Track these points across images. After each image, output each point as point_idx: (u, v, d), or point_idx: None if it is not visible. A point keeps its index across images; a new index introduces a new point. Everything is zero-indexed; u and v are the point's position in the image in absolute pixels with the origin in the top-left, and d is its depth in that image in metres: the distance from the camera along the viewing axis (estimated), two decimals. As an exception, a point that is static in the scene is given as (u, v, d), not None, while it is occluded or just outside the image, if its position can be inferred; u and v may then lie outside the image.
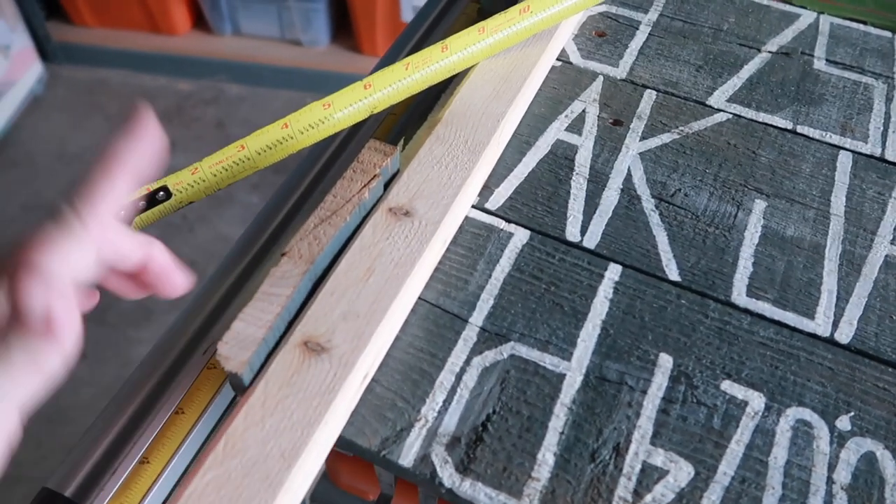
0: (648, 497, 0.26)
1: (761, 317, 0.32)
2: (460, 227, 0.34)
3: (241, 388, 0.27)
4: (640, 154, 0.38)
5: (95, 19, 1.53)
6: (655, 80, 0.42)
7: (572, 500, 0.26)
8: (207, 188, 0.34)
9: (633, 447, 0.28)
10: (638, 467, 0.27)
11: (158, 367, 0.32)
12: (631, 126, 0.39)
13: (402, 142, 0.38)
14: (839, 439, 0.28)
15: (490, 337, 0.31)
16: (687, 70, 0.43)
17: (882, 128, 0.40)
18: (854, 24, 0.46)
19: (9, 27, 1.41)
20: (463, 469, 0.27)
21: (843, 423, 0.29)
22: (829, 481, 0.27)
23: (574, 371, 0.30)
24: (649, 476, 0.27)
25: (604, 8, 0.46)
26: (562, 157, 0.38)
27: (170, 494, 0.29)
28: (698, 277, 0.33)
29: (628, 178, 0.37)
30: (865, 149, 0.39)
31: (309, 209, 0.38)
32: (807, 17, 0.47)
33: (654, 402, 0.29)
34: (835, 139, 0.39)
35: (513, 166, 0.37)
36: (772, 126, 0.40)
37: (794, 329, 0.32)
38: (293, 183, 0.40)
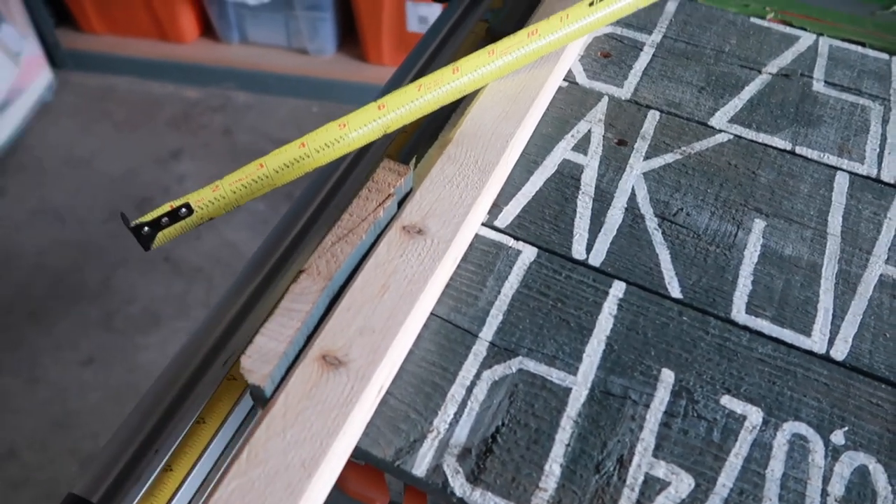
0: (651, 507, 0.28)
1: (760, 334, 0.33)
2: (470, 245, 0.36)
3: (262, 400, 0.28)
4: (644, 174, 0.39)
5: (104, 27, 1.55)
6: (659, 100, 0.43)
7: (578, 509, 0.28)
8: (227, 205, 0.36)
9: (636, 459, 0.29)
10: (641, 479, 0.28)
11: (179, 378, 0.33)
12: (635, 146, 0.41)
13: (414, 160, 0.40)
14: (833, 453, 0.30)
15: (499, 352, 0.32)
16: (689, 91, 0.44)
17: (878, 149, 0.41)
18: (852, 46, 0.48)
19: (19, 34, 1.43)
20: (473, 479, 0.28)
21: (838, 437, 0.30)
22: (824, 494, 0.28)
23: (580, 385, 0.31)
24: (651, 487, 0.28)
25: (609, 29, 0.48)
26: (568, 177, 0.39)
27: (191, 501, 0.30)
28: (699, 295, 0.34)
29: (632, 197, 0.38)
30: (862, 170, 0.40)
31: (323, 224, 0.40)
32: (806, 38, 0.48)
33: (656, 416, 0.30)
34: (832, 160, 0.41)
35: (521, 185, 0.38)
36: (771, 147, 0.41)
37: (791, 346, 0.33)
38: (308, 198, 0.41)
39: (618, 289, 0.34)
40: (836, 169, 0.40)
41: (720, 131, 0.42)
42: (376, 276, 0.31)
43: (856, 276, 0.35)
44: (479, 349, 0.32)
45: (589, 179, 0.39)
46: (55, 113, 1.51)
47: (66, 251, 1.27)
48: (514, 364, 0.32)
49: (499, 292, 0.34)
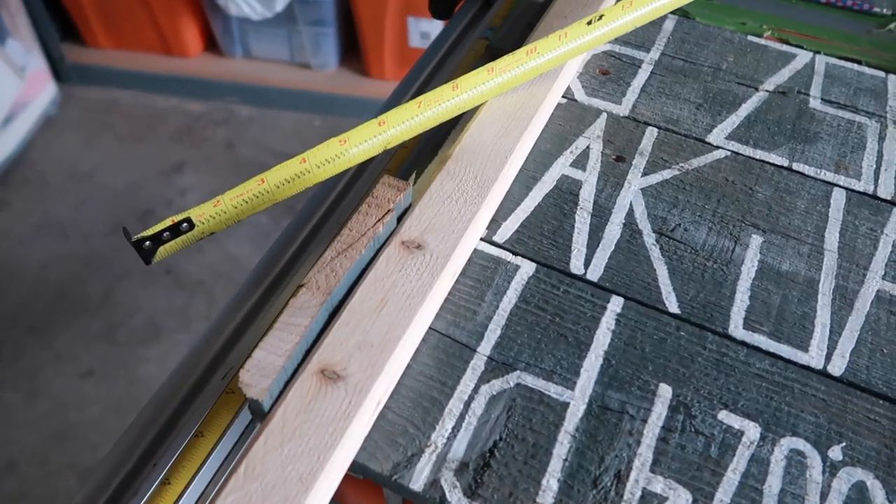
0: (648, 523, 0.28)
1: (757, 349, 0.33)
2: (469, 260, 0.36)
3: (260, 414, 0.28)
4: (642, 189, 0.40)
5: (109, 41, 1.56)
6: (657, 117, 0.44)
7: (575, 524, 0.28)
8: (228, 219, 0.36)
9: (633, 474, 0.29)
10: (638, 494, 0.29)
11: (178, 392, 0.34)
12: (633, 162, 0.41)
13: (413, 175, 0.40)
14: (831, 469, 0.30)
15: (497, 366, 0.32)
16: (687, 108, 0.44)
17: (875, 166, 0.42)
18: (849, 64, 0.48)
19: (24, 48, 1.45)
20: (471, 494, 0.28)
21: (836, 453, 0.30)
22: (822, 510, 0.28)
23: (577, 400, 0.31)
24: (649, 503, 0.28)
25: (608, 47, 0.48)
26: (567, 192, 0.39)
27: (189, 515, 0.30)
28: (697, 310, 0.34)
29: (630, 212, 0.38)
30: (858, 186, 0.41)
31: (323, 240, 0.40)
32: (803, 56, 0.48)
33: (653, 431, 0.30)
34: (829, 176, 0.41)
35: (520, 200, 0.39)
36: (768, 163, 0.41)
37: (788, 361, 0.33)
38: (308, 213, 0.41)
39: (616, 304, 0.35)
40: (833, 185, 0.41)
41: (717, 148, 0.42)
42: (375, 291, 0.31)
43: (853, 292, 0.36)
44: (478, 363, 0.32)
45: (587, 195, 0.39)
46: (59, 126, 1.52)
47: (69, 264, 1.28)
48: (512, 378, 0.32)
49: (497, 307, 0.34)
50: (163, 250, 0.35)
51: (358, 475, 0.29)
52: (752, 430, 0.30)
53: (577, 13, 0.46)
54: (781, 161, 0.42)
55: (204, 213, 0.35)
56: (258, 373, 0.28)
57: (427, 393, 0.31)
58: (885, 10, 0.53)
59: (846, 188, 0.40)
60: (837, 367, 0.33)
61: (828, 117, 0.44)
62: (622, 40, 0.49)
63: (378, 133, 0.38)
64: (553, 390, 0.31)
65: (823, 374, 0.33)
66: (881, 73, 0.48)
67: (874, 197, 0.40)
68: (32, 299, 1.23)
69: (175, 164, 1.44)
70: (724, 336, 0.34)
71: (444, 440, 0.30)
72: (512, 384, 0.32)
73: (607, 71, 0.47)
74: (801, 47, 0.49)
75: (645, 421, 0.31)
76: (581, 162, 0.41)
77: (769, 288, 0.36)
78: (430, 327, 0.33)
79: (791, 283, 0.36)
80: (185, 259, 1.27)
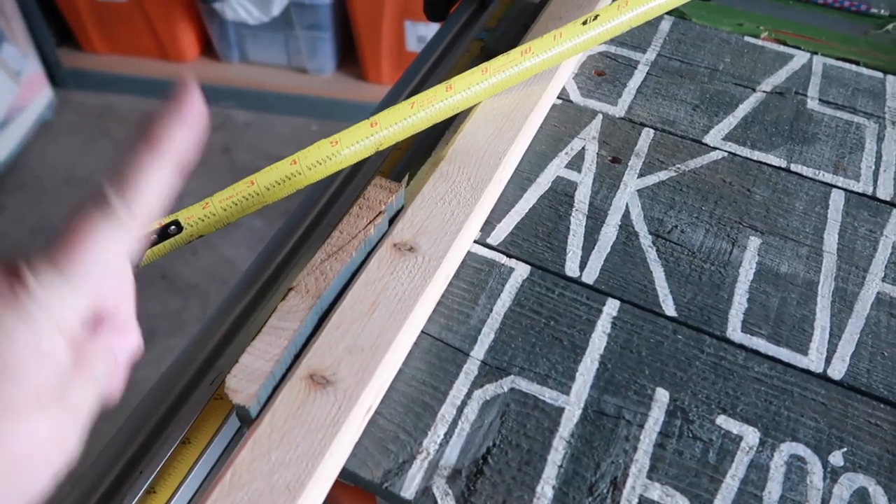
0: (645, 531, 0.27)
1: (756, 352, 0.33)
2: (462, 262, 0.35)
3: (248, 421, 0.27)
4: (638, 191, 0.39)
5: (105, 46, 1.56)
6: (653, 118, 0.43)
7: (570, 533, 0.27)
8: (217, 222, 0.35)
9: (630, 481, 0.28)
10: (635, 501, 0.28)
11: (166, 397, 0.33)
12: (629, 164, 0.40)
13: (406, 177, 0.40)
14: (832, 475, 0.29)
15: (491, 370, 0.31)
16: (684, 109, 0.44)
17: (873, 167, 0.41)
18: (846, 65, 0.48)
19: (20, 53, 1.44)
20: (464, 501, 0.28)
21: (836, 458, 0.29)
22: (823, 517, 0.28)
23: (573, 405, 0.30)
24: (646, 510, 0.28)
25: (603, 48, 0.48)
26: (562, 194, 0.39)
27: (176, 524, 0.29)
28: (694, 313, 0.34)
29: (626, 214, 0.38)
30: (857, 187, 0.40)
31: (315, 242, 0.39)
32: (800, 57, 0.48)
33: (650, 437, 0.30)
34: (827, 177, 0.41)
35: (514, 202, 0.38)
36: (766, 164, 0.41)
37: (787, 365, 0.32)
38: (299, 216, 0.41)
39: (611, 307, 0.34)
40: (832, 186, 0.40)
41: (714, 149, 0.42)
42: (366, 294, 0.31)
43: (852, 295, 0.35)
44: (471, 368, 0.31)
45: (583, 197, 0.39)
46: (55, 131, 1.52)
47: (63, 269, 1.27)
48: (506, 383, 0.31)
49: (491, 310, 0.34)
50: (150, 253, 0.34)
51: (348, 483, 0.29)
52: (750, 436, 0.30)
53: (573, 13, 0.46)
54: (779, 162, 0.41)
55: (193, 216, 0.35)
56: (245, 378, 0.27)
57: (419, 398, 0.30)
58: (882, 11, 0.53)
59: (845, 189, 0.40)
60: (837, 371, 0.32)
61: (826, 118, 0.44)
62: (618, 41, 0.48)
63: (370, 134, 0.37)
64: (548, 395, 0.31)
65: (823, 377, 0.32)
66: (879, 74, 0.47)
67: (873, 198, 0.40)
68: (27, 305, 1.22)
69: (171, 168, 1.43)
70: (721, 339, 0.33)
71: (437, 447, 0.29)
72: (506, 389, 0.31)
73: (603, 72, 0.46)
74: (799, 48, 0.49)
75: (642, 426, 0.30)
76: (576, 163, 0.40)
77: (767, 290, 0.35)
78: (422, 331, 0.33)
79: (790, 285, 0.35)
80: (179, 263, 1.26)
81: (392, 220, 0.34)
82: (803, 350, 0.33)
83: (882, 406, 0.31)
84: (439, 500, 0.28)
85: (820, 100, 0.45)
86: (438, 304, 0.34)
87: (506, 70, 0.39)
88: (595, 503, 0.28)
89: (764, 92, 0.45)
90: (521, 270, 0.35)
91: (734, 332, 0.33)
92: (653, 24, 0.49)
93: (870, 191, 0.40)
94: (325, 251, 0.32)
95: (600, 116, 0.43)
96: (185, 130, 0.22)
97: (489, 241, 0.36)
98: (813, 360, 0.32)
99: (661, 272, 0.35)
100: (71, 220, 0.20)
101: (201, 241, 1.29)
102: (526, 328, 0.33)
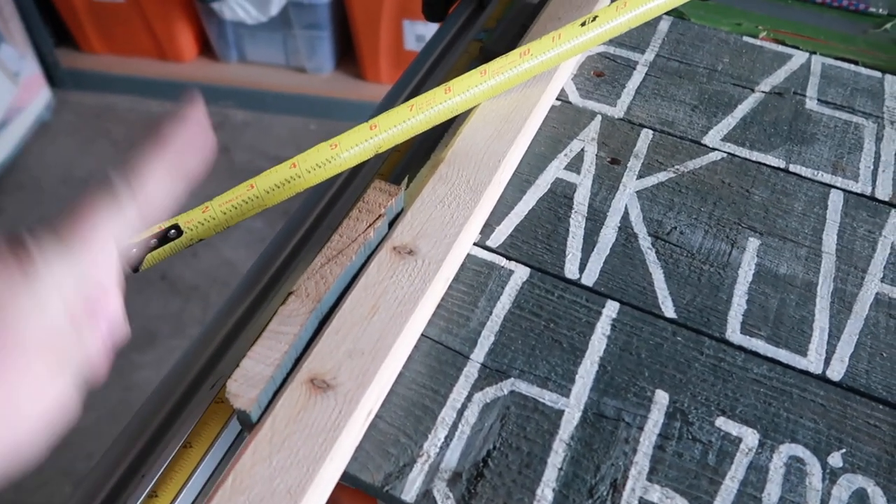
0: (645, 533, 0.27)
1: (755, 354, 0.33)
2: (462, 265, 0.35)
3: (249, 425, 0.28)
4: (637, 192, 0.39)
5: (103, 46, 1.56)
6: (652, 119, 0.43)
7: (571, 535, 0.27)
8: (217, 226, 0.35)
9: (629, 483, 0.28)
10: (635, 503, 0.28)
11: (167, 401, 0.33)
12: (628, 165, 0.40)
13: (406, 179, 0.40)
14: (831, 476, 0.29)
15: (491, 373, 0.32)
16: (682, 109, 0.44)
17: (872, 167, 0.41)
18: (845, 65, 0.48)
19: (18, 54, 1.44)
20: (464, 504, 0.28)
21: (835, 459, 0.30)
22: (822, 518, 0.28)
23: (572, 407, 0.31)
24: (646, 512, 0.28)
25: (602, 48, 0.48)
26: (561, 196, 0.39)
27: (177, 528, 0.29)
28: (693, 315, 0.34)
29: (625, 216, 0.38)
30: (856, 187, 0.40)
31: (314, 245, 0.39)
32: (799, 57, 0.48)
33: (650, 439, 0.30)
34: (826, 178, 0.41)
35: (513, 204, 0.38)
36: (765, 165, 0.41)
37: (786, 366, 0.32)
38: (299, 219, 0.41)
39: (611, 309, 0.34)
40: (831, 187, 0.40)
41: (713, 150, 0.42)
42: (366, 298, 0.31)
43: (851, 295, 0.35)
44: (471, 371, 0.32)
45: (582, 198, 0.39)
46: (54, 132, 1.52)
47: (63, 270, 1.27)
48: (506, 386, 0.31)
49: (491, 313, 0.34)
50: (150, 258, 0.34)
51: (349, 485, 0.29)
52: (750, 437, 0.30)
53: (571, 14, 0.46)
54: (778, 163, 0.41)
55: (192, 220, 0.35)
56: (246, 383, 0.27)
57: (419, 401, 0.31)
58: (881, 10, 0.53)
59: (844, 189, 0.40)
60: (836, 372, 0.32)
61: (824, 118, 0.44)
62: (617, 42, 0.48)
63: (369, 137, 0.37)
64: (548, 398, 0.31)
65: (822, 378, 0.32)
66: (877, 74, 0.47)
67: (872, 198, 0.40)
68: (27, 306, 1.22)
69: (170, 168, 1.43)
70: (721, 341, 0.33)
71: (437, 450, 0.29)
72: (506, 392, 0.31)
73: (602, 73, 0.46)
74: (797, 48, 0.49)
75: (641, 428, 0.30)
76: (575, 165, 0.40)
77: (766, 291, 0.35)
78: (422, 334, 0.33)
79: (789, 286, 0.35)
80: (179, 264, 1.26)
81: (392, 223, 0.34)
82: (802, 351, 0.33)
83: (881, 407, 0.31)
84: (440, 503, 0.28)
85: (818, 100, 0.45)
86: (438, 307, 0.34)
87: (505, 72, 0.39)
88: (595, 505, 0.28)
89: (763, 92, 0.45)
90: (521, 273, 0.35)
91: (733, 333, 0.33)
92: (651, 25, 0.49)
93: (868, 191, 0.40)
94: (325, 255, 0.32)
95: (599, 117, 0.43)
96: (191, 135, 0.24)
97: (489, 243, 0.36)
98: (812, 362, 0.33)
99: (661, 274, 0.35)
100: (77, 202, 0.22)
101: (201, 242, 1.29)
102: (525, 331, 0.33)
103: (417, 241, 0.33)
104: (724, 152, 0.42)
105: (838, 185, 0.40)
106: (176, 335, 1.18)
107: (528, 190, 0.39)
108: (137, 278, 1.25)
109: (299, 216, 0.41)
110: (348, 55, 1.53)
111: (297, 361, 0.29)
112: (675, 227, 0.38)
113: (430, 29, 1.38)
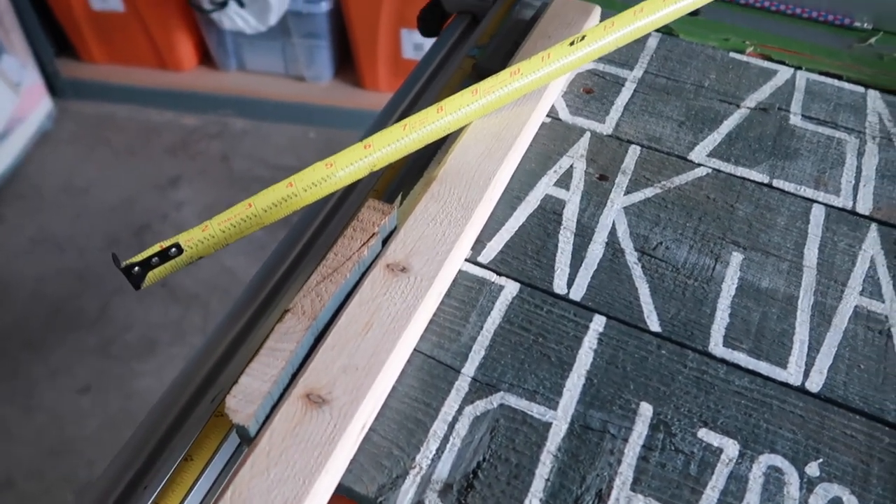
0: (628, 541, 0.28)
1: (737, 366, 0.34)
2: (454, 281, 0.36)
3: (247, 439, 0.29)
4: (625, 208, 0.40)
5: (104, 56, 1.57)
6: (640, 135, 0.44)
7: (557, 544, 0.28)
8: (217, 244, 0.36)
9: (614, 493, 0.30)
10: (619, 513, 0.29)
11: (168, 415, 0.34)
12: (616, 181, 0.42)
13: (399, 197, 0.41)
14: (808, 485, 0.30)
15: (481, 387, 0.33)
16: (670, 126, 0.45)
17: (853, 181, 0.42)
18: (829, 80, 0.49)
19: (20, 64, 1.45)
20: (455, 515, 0.29)
21: (813, 469, 0.31)
22: (799, 526, 0.29)
23: (560, 420, 0.32)
24: (630, 521, 0.29)
25: (592, 65, 0.49)
26: (550, 212, 0.40)
27: (179, 538, 0.30)
28: (678, 328, 0.35)
29: (613, 231, 0.39)
30: (837, 202, 0.41)
31: (310, 261, 0.40)
32: (784, 73, 0.49)
33: (634, 450, 0.31)
34: (809, 192, 0.42)
35: (504, 220, 0.39)
36: (749, 180, 0.42)
37: (767, 378, 0.33)
38: (295, 236, 0.42)
39: (598, 323, 0.35)
40: (813, 201, 0.41)
41: (699, 165, 0.43)
42: (360, 314, 0.32)
43: (831, 308, 0.36)
44: (462, 384, 0.33)
45: (571, 214, 0.40)
46: (54, 141, 1.53)
47: (65, 279, 1.28)
48: (496, 399, 0.32)
49: (481, 328, 0.35)
50: (152, 275, 0.35)
51: (344, 497, 0.30)
52: (731, 448, 0.31)
53: (562, 32, 0.47)
54: (762, 178, 0.42)
55: (192, 238, 0.36)
56: (244, 398, 0.29)
57: (412, 415, 0.32)
58: (865, 25, 0.54)
59: (825, 204, 0.41)
60: (815, 384, 0.33)
61: (808, 133, 0.45)
62: (606, 58, 0.49)
63: (364, 156, 0.38)
64: (536, 410, 0.32)
65: (801, 390, 0.33)
66: (860, 89, 0.48)
67: (853, 213, 0.41)
68: (28, 314, 1.23)
69: (170, 177, 1.44)
70: (704, 354, 0.34)
71: (429, 462, 0.30)
72: (495, 405, 0.32)
73: (591, 89, 0.47)
74: (784, 63, 0.50)
75: (626, 440, 0.31)
76: (565, 181, 0.42)
77: (749, 305, 0.36)
78: (415, 349, 0.34)
79: (770, 300, 0.36)
80: (180, 272, 1.27)
81: (385, 241, 0.36)
82: (782, 364, 0.34)
83: (857, 417, 0.32)
84: (431, 514, 0.29)
85: (802, 115, 0.46)
86: (430, 322, 0.35)
87: (495, 91, 0.41)
88: (581, 515, 0.29)
89: (748, 108, 0.46)
90: (511, 288, 0.36)
91: (716, 346, 0.34)
92: (640, 41, 0.51)
93: (849, 205, 0.41)
94: (321, 273, 0.33)
95: (588, 134, 0.44)
96: None
97: (480, 259, 0.38)
98: (792, 374, 0.34)
99: (647, 288, 0.37)
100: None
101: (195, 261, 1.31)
102: (515, 345, 0.34)
103: (410, 258, 0.34)
104: (710, 168, 0.43)
105: (820, 199, 0.41)
106: (176, 343, 1.19)
107: (519, 206, 0.40)
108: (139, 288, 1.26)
109: (296, 232, 0.42)
110: (347, 64, 1.54)
111: (294, 377, 0.30)
112: (661, 243, 0.39)
113: (427, 38, 1.40)
